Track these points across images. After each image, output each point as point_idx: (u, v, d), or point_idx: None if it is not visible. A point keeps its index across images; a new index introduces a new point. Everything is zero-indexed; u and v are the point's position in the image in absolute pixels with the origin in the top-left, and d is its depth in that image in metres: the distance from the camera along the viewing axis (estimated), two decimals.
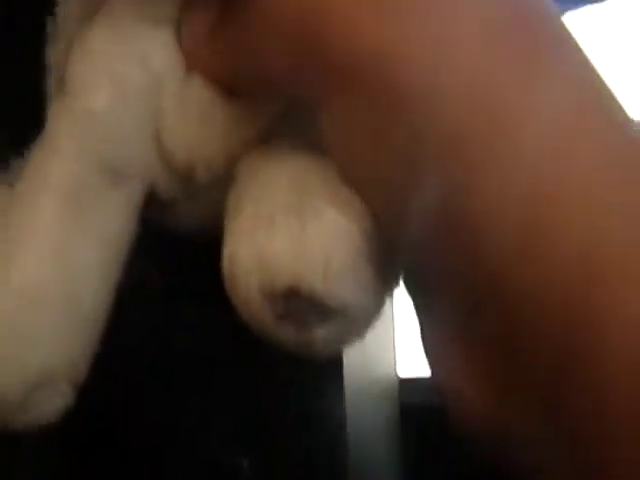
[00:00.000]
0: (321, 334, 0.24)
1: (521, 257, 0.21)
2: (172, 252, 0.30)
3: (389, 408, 0.32)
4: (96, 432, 0.29)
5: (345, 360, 0.28)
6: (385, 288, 0.25)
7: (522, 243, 0.21)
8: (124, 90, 0.26)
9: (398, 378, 0.33)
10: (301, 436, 0.28)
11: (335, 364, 0.28)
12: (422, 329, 0.25)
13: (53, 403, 0.25)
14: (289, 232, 0.23)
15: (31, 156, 0.27)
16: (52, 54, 0.29)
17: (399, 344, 0.38)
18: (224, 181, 0.27)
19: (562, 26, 0.24)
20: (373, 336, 0.26)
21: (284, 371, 0.27)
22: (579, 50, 0.24)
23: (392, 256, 0.24)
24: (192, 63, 0.27)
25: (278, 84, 0.25)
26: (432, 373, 0.24)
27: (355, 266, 0.23)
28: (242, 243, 0.24)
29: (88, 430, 0.30)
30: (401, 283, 0.25)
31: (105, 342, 0.26)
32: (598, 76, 0.23)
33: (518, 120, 0.22)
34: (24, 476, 0.31)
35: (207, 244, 0.26)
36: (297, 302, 0.23)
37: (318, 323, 0.24)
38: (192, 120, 0.26)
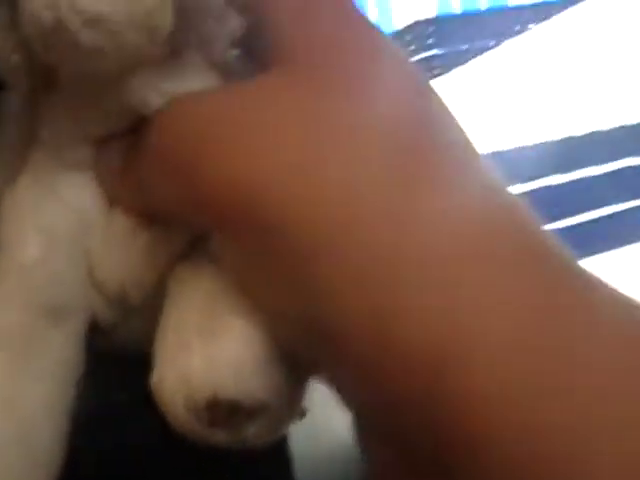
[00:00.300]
0: (251, 431, 0.27)
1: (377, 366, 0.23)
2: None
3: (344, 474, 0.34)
4: None
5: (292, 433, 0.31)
6: (300, 381, 0.27)
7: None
8: (53, 238, 0.29)
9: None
10: None
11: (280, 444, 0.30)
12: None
13: None
14: (204, 351, 0.26)
15: None
16: None
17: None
18: (157, 297, 0.30)
19: (468, 149, 0.25)
20: (321, 407, 0.28)
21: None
22: (483, 173, 0.25)
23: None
24: (110, 199, 0.29)
25: (174, 216, 0.28)
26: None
27: (265, 369, 0.26)
28: (166, 367, 0.27)
29: None
30: None
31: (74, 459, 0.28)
32: (503, 197, 0.24)
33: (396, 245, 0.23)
34: None
35: None
36: (220, 410, 0.26)
37: (245, 423, 0.27)
38: (117, 249, 0.29)
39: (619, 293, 0.23)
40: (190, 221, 0.27)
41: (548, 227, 0.24)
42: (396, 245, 0.23)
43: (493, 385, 0.21)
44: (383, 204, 0.23)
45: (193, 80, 0.28)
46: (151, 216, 0.29)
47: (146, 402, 0.27)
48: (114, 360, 0.31)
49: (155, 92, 0.27)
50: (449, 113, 0.26)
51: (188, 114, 0.26)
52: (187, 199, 0.26)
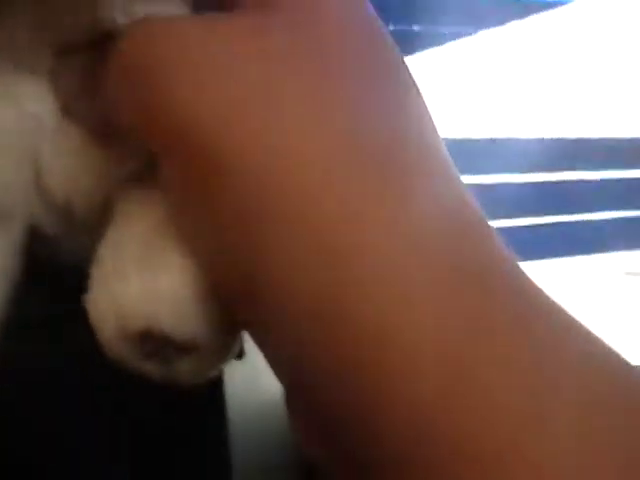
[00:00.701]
0: (183, 367, 0.26)
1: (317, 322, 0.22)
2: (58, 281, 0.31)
3: (277, 421, 0.33)
4: None
5: (227, 378, 0.30)
6: (235, 324, 0.27)
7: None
8: (2, 140, 0.28)
9: None
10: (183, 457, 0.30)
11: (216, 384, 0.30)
12: None
13: None
14: (140, 283, 0.26)
15: None
16: None
17: None
18: (101, 218, 0.29)
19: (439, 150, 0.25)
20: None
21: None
22: (453, 179, 0.25)
23: None
24: (65, 108, 0.28)
25: (126, 134, 0.27)
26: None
27: (199, 306, 0.26)
28: (100, 292, 0.27)
29: None
30: None
31: None
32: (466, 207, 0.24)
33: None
34: None
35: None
36: (154, 342, 0.26)
37: (177, 358, 0.26)
38: (68, 157, 0.28)
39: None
40: (140, 142, 0.26)
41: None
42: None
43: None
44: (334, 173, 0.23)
45: (161, 5, 0.27)
46: (104, 132, 0.28)
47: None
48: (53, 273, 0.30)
49: (122, 11, 0.27)
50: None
51: (157, 36, 0.25)
52: (140, 118, 0.25)
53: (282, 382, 0.25)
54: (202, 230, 0.24)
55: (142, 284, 0.26)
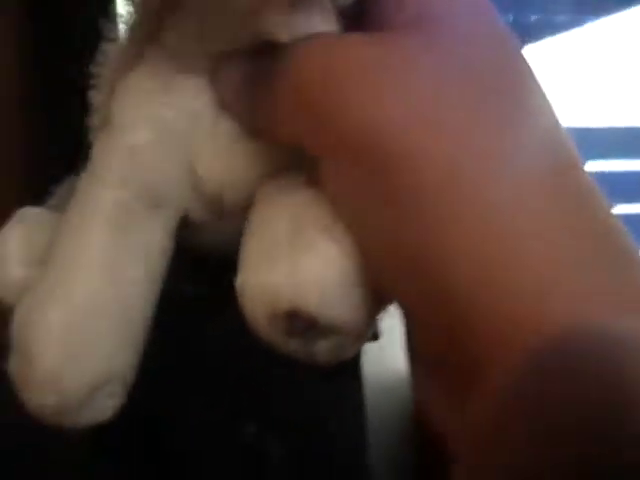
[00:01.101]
0: (323, 347, 0.28)
1: (479, 287, 0.25)
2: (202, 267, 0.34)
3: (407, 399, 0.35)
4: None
5: (364, 356, 0.32)
6: (376, 308, 0.28)
7: (480, 275, 0.25)
8: (162, 129, 0.30)
9: None
10: (323, 424, 0.31)
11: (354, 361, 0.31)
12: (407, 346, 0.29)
13: (108, 404, 0.29)
14: (287, 264, 0.27)
15: (78, 185, 0.31)
16: (96, 97, 0.33)
17: None
18: (247, 208, 0.31)
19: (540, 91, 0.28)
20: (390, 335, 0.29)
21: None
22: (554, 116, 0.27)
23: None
24: (223, 107, 0.30)
25: (289, 139, 0.29)
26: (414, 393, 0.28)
27: (345, 291, 0.27)
28: (250, 274, 0.28)
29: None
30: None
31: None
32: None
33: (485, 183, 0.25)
34: None
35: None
36: (298, 322, 0.27)
37: (319, 338, 0.28)
38: (222, 152, 0.31)
39: None
40: (303, 146, 0.28)
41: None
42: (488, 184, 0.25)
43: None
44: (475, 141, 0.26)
45: (319, 20, 0.29)
46: (259, 132, 0.30)
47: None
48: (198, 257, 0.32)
49: (284, 26, 0.28)
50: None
51: (337, 55, 0.27)
52: (312, 131, 0.27)
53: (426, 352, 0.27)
54: (371, 214, 0.26)
55: (290, 266, 0.27)
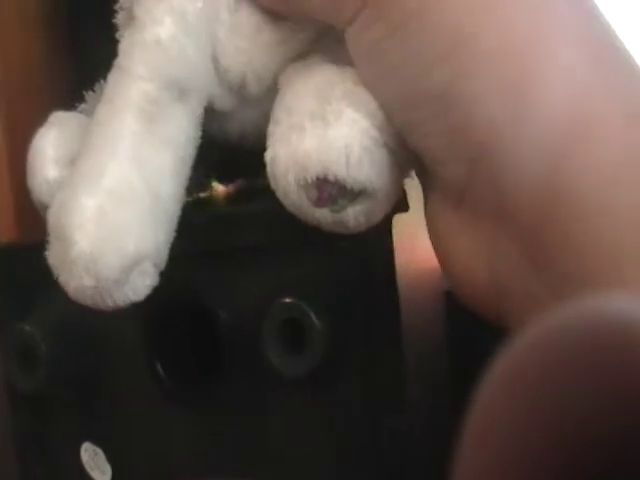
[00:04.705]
0: (351, 213, 0.29)
1: (510, 121, 0.26)
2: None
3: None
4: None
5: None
6: (401, 171, 0.29)
7: (512, 109, 0.26)
8: (184, 21, 0.31)
9: None
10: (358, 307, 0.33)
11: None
12: (426, 205, 0.30)
13: (142, 282, 0.31)
14: (316, 133, 0.29)
15: (107, 80, 0.32)
16: None
17: None
18: (270, 93, 0.32)
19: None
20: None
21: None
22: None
23: (405, 145, 0.29)
24: None
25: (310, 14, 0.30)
26: (434, 248, 0.30)
27: (371, 154, 0.29)
28: (280, 147, 0.30)
29: None
30: None
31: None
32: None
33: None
34: None
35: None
36: (328, 188, 0.29)
37: (347, 204, 0.29)
38: (243, 40, 0.32)
39: None
40: (331, 15, 0.29)
41: None
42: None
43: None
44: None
45: None
46: (278, 14, 0.31)
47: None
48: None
49: None
50: None
51: None
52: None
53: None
54: (399, 66, 0.28)
55: (318, 135, 0.29)
